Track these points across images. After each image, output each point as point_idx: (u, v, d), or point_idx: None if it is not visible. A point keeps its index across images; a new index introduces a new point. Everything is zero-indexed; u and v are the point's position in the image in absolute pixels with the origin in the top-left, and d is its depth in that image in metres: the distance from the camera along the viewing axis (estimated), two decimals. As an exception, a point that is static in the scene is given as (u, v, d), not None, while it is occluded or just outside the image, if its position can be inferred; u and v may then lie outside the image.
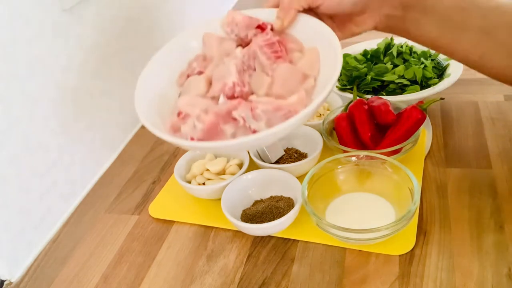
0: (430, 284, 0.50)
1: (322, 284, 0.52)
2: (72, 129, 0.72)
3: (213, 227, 0.63)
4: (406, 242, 0.54)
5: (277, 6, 0.57)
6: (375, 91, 0.76)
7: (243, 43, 0.58)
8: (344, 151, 0.63)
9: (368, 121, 0.64)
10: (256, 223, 0.58)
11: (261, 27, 0.56)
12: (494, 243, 0.53)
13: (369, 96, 0.68)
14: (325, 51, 0.53)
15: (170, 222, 0.65)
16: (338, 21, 0.58)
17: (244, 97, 0.52)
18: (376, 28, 0.57)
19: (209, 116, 0.49)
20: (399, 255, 0.53)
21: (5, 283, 0.61)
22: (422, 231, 0.56)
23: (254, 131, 0.49)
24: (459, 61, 0.56)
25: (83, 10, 0.73)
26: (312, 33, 0.55)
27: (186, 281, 0.56)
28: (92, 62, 0.76)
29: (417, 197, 0.53)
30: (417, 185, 0.54)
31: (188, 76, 0.58)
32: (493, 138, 0.68)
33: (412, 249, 0.54)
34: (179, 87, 0.58)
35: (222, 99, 0.51)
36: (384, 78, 0.75)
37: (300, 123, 0.50)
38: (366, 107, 0.65)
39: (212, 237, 0.61)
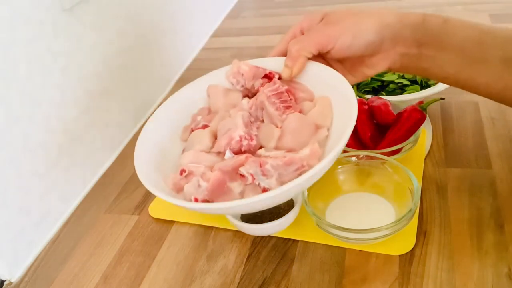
0: (430, 284, 0.50)
1: (322, 284, 0.52)
2: (72, 129, 0.72)
3: (213, 227, 0.63)
4: (406, 242, 0.54)
5: (283, 54, 0.54)
6: (375, 91, 0.76)
7: (250, 94, 0.56)
8: (344, 151, 0.63)
9: (368, 121, 0.64)
10: (256, 223, 0.58)
11: (268, 77, 0.54)
12: (494, 243, 0.53)
13: (369, 96, 0.68)
14: (338, 99, 0.50)
15: (170, 222, 0.65)
16: (349, 65, 0.55)
17: (252, 151, 0.48)
18: (390, 68, 0.54)
19: (214, 173, 0.45)
20: (399, 255, 0.53)
21: (5, 283, 0.61)
22: (422, 231, 0.56)
23: (264, 190, 0.45)
24: (482, 95, 0.53)
25: (83, 10, 0.73)
26: (323, 81, 0.52)
27: (186, 281, 0.56)
28: (92, 62, 0.76)
29: (417, 197, 0.53)
30: (417, 185, 0.54)
31: (192, 131, 0.54)
32: (493, 138, 0.68)
33: (412, 249, 0.54)
34: (183, 143, 0.55)
35: (228, 154, 0.48)
36: (384, 78, 0.75)
37: (316, 179, 0.45)
38: (366, 107, 0.65)
39: (212, 237, 0.61)
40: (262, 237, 0.60)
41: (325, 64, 0.53)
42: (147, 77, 0.93)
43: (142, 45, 0.91)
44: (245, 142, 0.48)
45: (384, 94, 0.75)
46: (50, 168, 0.68)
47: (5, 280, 0.61)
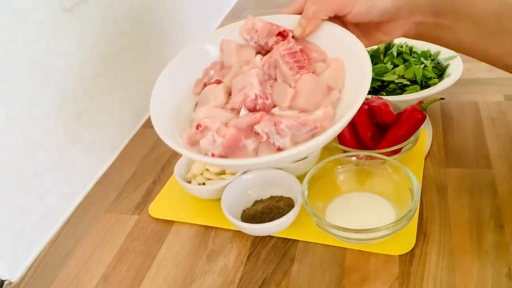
0: (430, 284, 0.50)
1: (322, 284, 0.52)
2: (72, 129, 0.72)
3: (213, 227, 0.63)
4: (406, 242, 0.54)
5: (299, 12, 0.54)
6: (375, 91, 0.76)
7: (263, 51, 0.56)
8: (344, 151, 0.63)
9: (368, 121, 0.64)
10: (256, 223, 0.58)
11: (282, 34, 0.54)
12: (494, 243, 0.53)
13: (369, 96, 0.68)
14: (351, 62, 0.51)
15: (170, 222, 0.65)
16: (365, 29, 0.55)
17: (267, 109, 0.49)
18: (405, 35, 0.55)
19: (230, 130, 0.47)
20: (399, 255, 0.53)
21: (5, 283, 0.61)
22: (422, 231, 0.56)
23: (279, 149, 0.46)
24: (498, 66, 0.53)
25: (83, 10, 0.73)
26: (337, 42, 0.52)
27: (186, 281, 0.56)
28: (92, 62, 0.76)
29: (417, 197, 0.53)
30: (417, 185, 0.54)
31: (205, 85, 0.55)
32: (493, 138, 0.68)
33: (412, 249, 0.54)
34: (195, 96, 0.55)
35: (243, 111, 0.49)
36: (384, 78, 0.75)
37: (328, 141, 0.46)
38: (366, 107, 0.65)
39: (212, 237, 0.61)
40: (262, 237, 0.60)
41: (340, 25, 0.54)
42: (147, 77, 0.93)
43: (142, 45, 0.91)
44: (260, 101, 0.49)
45: (384, 94, 0.75)
46: (50, 168, 0.68)
47: (5, 280, 0.61)
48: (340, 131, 0.46)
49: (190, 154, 0.46)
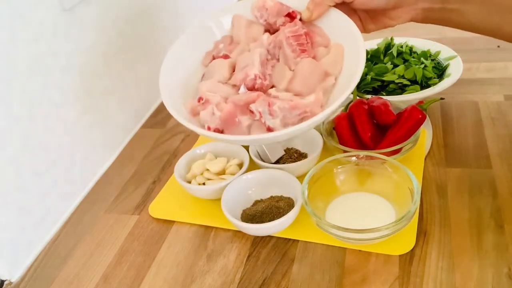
0: (430, 284, 0.50)
1: (322, 284, 0.52)
2: (72, 129, 0.72)
3: (213, 227, 0.63)
4: (406, 242, 0.54)
5: None
6: (375, 91, 0.76)
7: (271, 29, 0.58)
8: (344, 151, 0.63)
9: (368, 121, 0.64)
10: (256, 223, 0.58)
11: (291, 16, 0.56)
12: (494, 243, 0.53)
13: (369, 96, 0.68)
14: (350, 50, 0.53)
15: (170, 222, 0.65)
16: (372, 14, 0.58)
17: (264, 89, 0.53)
18: (412, 20, 0.57)
19: (228, 105, 0.51)
20: (399, 255, 0.53)
21: (5, 283, 0.61)
22: (422, 231, 0.56)
23: (269, 128, 0.50)
24: (508, 41, 0.55)
25: (83, 10, 0.73)
26: (340, 29, 0.55)
27: (186, 281, 0.56)
28: (92, 62, 0.76)
29: (417, 197, 0.53)
30: (417, 185, 0.54)
31: (213, 58, 0.58)
32: (493, 138, 0.68)
33: (412, 249, 0.54)
34: (204, 67, 0.59)
35: (242, 89, 0.53)
36: (384, 78, 0.75)
37: (314, 125, 0.51)
38: (366, 107, 0.65)
39: (212, 237, 0.61)
40: (262, 237, 0.60)
41: (348, 10, 0.56)
42: (147, 77, 0.93)
43: (142, 45, 0.91)
44: (258, 81, 0.53)
45: (384, 94, 0.75)
46: (50, 168, 0.68)
47: (5, 280, 0.61)
48: (326, 117, 0.50)
49: (188, 124, 0.50)
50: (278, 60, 0.55)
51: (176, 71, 0.58)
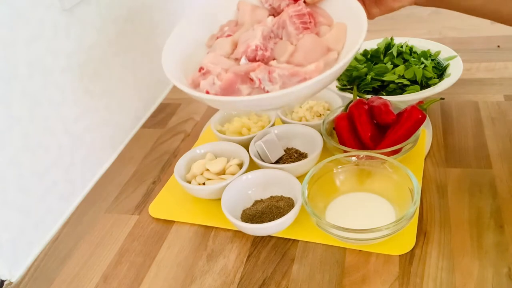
0: (430, 284, 0.50)
1: (322, 284, 0.52)
2: (72, 129, 0.72)
3: (213, 227, 0.63)
4: (406, 242, 0.54)
5: None
6: (375, 91, 0.76)
7: (276, 13, 0.59)
8: (344, 151, 0.63)
9: (368, 121, 0.64)
10: (256, 223, 0.58)
11: None
12: (494, 243, 0.53)
13: (369, 96, 0.68)
14: (353, 28, 0.54)
15: (170, 222, 0.65)
16: None
17: (265, 61, 0.53)
18: (416, 3, 0.58)
19: (228, 74, 0.51)
20: (399, 255, 0.53)
21: (5, 283, 0.61)
22: (422, 231, 0.56)
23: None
24: (508, 24, 0.56)
25: (83, 10, 0.73)
26: (344, 9, 0.56)
27: (186, 281, 0.56)
28: (92, 62, 0.76)
29: (417, 197, 0.53)
30: (417, 185, 0.54)
31: (217, 39, 0.59)
32: (493, 138, 0.68)
33: (412, 249, 0.54)
34: (208, 49, 0.60)
35: (243, 60, 0.53)
36: (384, 78, 0.75)
37: (314, 89, 0.50)
38: (366, 107, 0.65)
39: (212, 237, 0.61)
40: (262, 237, 0.60)
41: None
42: (147, 77, 0.93)
43: (142, 45, 0.91)
44: (260, 52, 0.53)
45: (384, 94, 0.75)
46: (50, 168, 0.68)
47: (5, 280, 0.61)
48: (327, 82, 0.50)
49: (185, 88, 0.51)
50: (281, 39, 0.56)
51: (180, 49, 0.58)
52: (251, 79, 0.51)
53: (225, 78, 0.51)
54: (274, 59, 0.54)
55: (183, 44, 0.59)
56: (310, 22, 0.56)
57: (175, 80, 0.52)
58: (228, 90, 0.51)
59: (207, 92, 0.51)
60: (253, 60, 0.53)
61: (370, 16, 0.60)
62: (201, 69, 0.54)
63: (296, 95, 0.49)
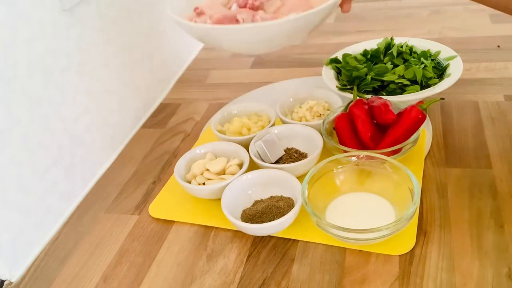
0: (430, 284, 0.50)
1: (322, 284, 0.52)
2: (72, 129, 0.72)
3: (213, 227, 0.63)
4: (406, 242, 0.54)
5: None
6: (375, 91, 0.76)
7: None
8: (344, 151, 0.63)
9: (368, 121, 0.64)
10: (256, 223, 0.58)
11: None
12: (494, 243, 0.53)
13: (369, 96, 0.68)
14: None
15: (170, 222, 0.65)
16: None
17: (254, 9, 0.63)
18: None
19: (218, 15, 0.60)
20: (399, 255, 0.53)
21: (5, 283, 0.61)
22: (422, 231, 0.56)
23: None
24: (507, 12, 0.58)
25: (83, 10, 0.74)
26: None
27: (186, 281, 0.56)
28: (92, 62, 0.76)
29: (417, 197, 0.53)
30: (417, 185, 0.54)
31: None
32: (493, 138, 0.68)
33: (412, 249, 0.54)
34: None
35: (234, 7, 0.63)
36: (384, 78, 0.75)
37: (285, 29, 0.57)
38: (366, 107, 0.65)
39: (212, 237, 0.61)
40: (262, 237, 0.60)
41: None
42: (147, 77, 0.93)
43: (142, 45, 0.91)
44: (250, 1, 0.62)
45: (384, 94, 0.75)
46: (50, 168, 0.68)
47: (5, 280, 0.61)
48: (295, 23, 0.57)
49: (181, 20, 0.59)
50: None
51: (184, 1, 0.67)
52: (237, 20, 0.59)
53: (214, 17, 0.60)
54: (262, 10, 0.63)
55: None
56: None
57: (174, 14, 0.60)
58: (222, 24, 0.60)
59: (195, 21, 0.61)
60: (243, 7, 0.63)
61: None
62: (196, 9, 0.63)
63: (269, 30, 0.56)
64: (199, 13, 0.63)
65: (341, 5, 0.71)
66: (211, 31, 0.59)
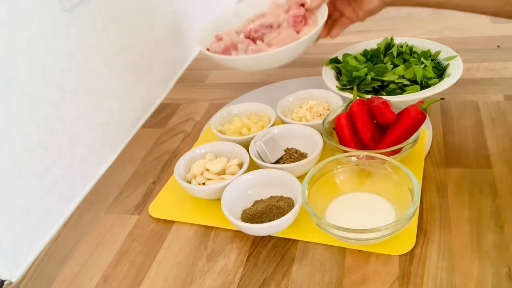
0: (430, 284, 0.50)
1: (322, 284, 0.52)
2: (72, 129, 0.72)
3: (213, 227, 0.63)
4: (406, 242, 0.54)
5: None
6: (375, 91, 0.76)
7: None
8: (344, 151, 0.63)
9: (368, 121, 0.64)
10: (256, 223, 0.58)
11: (302, 4, 0.81)
12: (494, 243, 0.53)
13: (369, 96, 0.68)
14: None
15: (170, 222, 0.65)
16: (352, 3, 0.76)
17: (254, 39, 0.81)
18: (385, 3, 0.72)
19: (226, 41, 0.81)
20: (399, 255, 0.53)
21: (5, 283, 0.61)
22: (422, 231, 0.56)
23: None
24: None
25: (83, 10, 0.74)
26: (323, 14, 0.78)
27: (186, 281, 0.56)
28: (92, 62, 0.76)
29: (417, 197, 0.53)
30: (417, 185, 0.54)
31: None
32: (493, 138, 0.68)
33: (412, 249, 0.54)
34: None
35: (241, 36, 0.82)
36: (384, 78, 0.75)
37: (264, 61, 0.75)
38: (366, 107, 0.65)
39: (212, 237, 0.61)
40: (262, 237, 0.60)
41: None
42: (147, 77, 0.93)
43: (142, 45, 0.91)
44: (252, 33, 0.81)
45: (384, 94, 0.75)
46: (50, 168, 0.68)
47: (5, 280, 0.61)
48: (271, 56, 0.74)
49: (198, 45, 0.83)
50: (278, 28, 0.82)
51: (213, 26, 0.87)
52: (236, 47, 0.79)
53: (224, 44, 0.79)
54: (262, 40, 0.81)
55: (220, 22, 0.88)
56: (300, 22, 0.80)
57: (201, 44, 0.81)
58: (225, 52, 0.79)
59: (207, 49, 0.80)
60: (247, 37, 0.82)
61: (347, 19, 0.78)
62: (216, 36, 0.83)
63: (251, 61, 0.75)
64: (219, 39, 0.82)
65: (328, 32, 0.81)
66: (214, 57, 0.78)
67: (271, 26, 0.82)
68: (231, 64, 0.79)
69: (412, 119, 0.62)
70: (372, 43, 0.86)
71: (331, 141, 0.65)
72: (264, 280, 0.54)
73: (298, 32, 0.80)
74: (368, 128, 0.64)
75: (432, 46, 0.81)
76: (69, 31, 0.71)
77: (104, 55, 0.79)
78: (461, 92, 0.80)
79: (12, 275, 0.62)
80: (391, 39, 0.84)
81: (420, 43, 0.83)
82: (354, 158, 0.61)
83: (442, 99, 0.68)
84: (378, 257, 0.54)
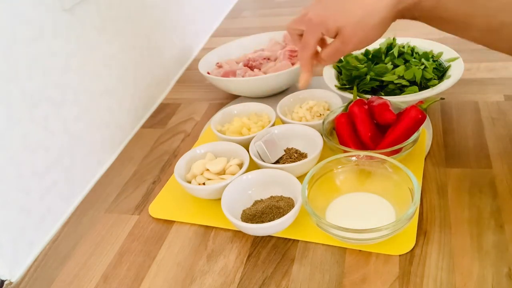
0: (430, 284, 0.50)
1: (322, 284, 0.52)
2: (72, 129, 0.72)
3: (213, 227, 0.63)
4: (406, 242, 0.54)
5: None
6: (374, 91, 0.76)
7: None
8: (344, 151, 0.63)
9: (368, 121, 0.64)
10: (256, 223, 0.58)
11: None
12: (494, 243, 0.53)
13: (369, 96, 0.68)
14: None
15: (170, 222, 0.65)
16: None
17: (252, 68, 0.91)
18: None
19: (225, 68, 0.91)
20: (399, 255, 0.53)
21: (5, 283, 0.61)
22: (422, 231, 0.56)
23: None
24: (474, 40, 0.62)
25: (83, 10, 0.74)
26: None
27: (186, 281, 0.56)
28: (92, 62, 0.76)
29: (417, 197, 0.53)
30: (417, 185, 0.54)
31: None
32: (493, 138, 0.68)
33: (412, 249, 0.54)
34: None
35: (240, 64, 0.93)
36: (383, 78, 0.75)
37: (254, 84, 0.84)
38: (366, 107, 0.65)
39: (212, 237, 0.61)
40: (262, 237, 0.60)
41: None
42: (147, 77, 0.93)
43: (142, 45, 0.91)
44: (250, 62, 0.92)
45: (383, 94, 0.75)
46: (50, 168, 0.68)
47: (5, 280, 0.61)
48: (258, 82, 0.83)
49: (201, 71, 0.91)
50: (274, 60, 0.93)
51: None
52: (235, 73, 0.89)
53: (223, 71, 0.90)
54: (259, 69, 0.91)
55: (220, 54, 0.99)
56: (295, 56, 0.90)
57: (203, 71, 0.91)
58: (225, 76, 0.88)
59: (208, 73, 0.90)
60: (246, 65, 0.92)
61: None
62: (217, 64, 0.95)
63: (243, 84, 0.84)
64: (219, 66, 0.94)
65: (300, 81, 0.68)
66: (212, 79, 0.88)
67: (269, 59, 0.93)
68: (227, 86, 0.87)
69: (412, 119, 0.62)
70: (374, 43, 0.86)
71: (331, 141, 0.65)
72: (264, 280, 0.54)
73: (293, 64, 0.87)
74: (368, 128, 0.64)
75: (435, 47, 0.81)
76: (69, 31, 0.71)
77: (104, 55, 0.79)
78: (461, 92, 0.80)
79: (12, 275, 0.62)
80: (393, 39, 0.84)
81: (423, 44, 0.83)
82: (354, 158, 0.61)
83: (442, 99, 0.68)
84: (378, 257, 0.54)
